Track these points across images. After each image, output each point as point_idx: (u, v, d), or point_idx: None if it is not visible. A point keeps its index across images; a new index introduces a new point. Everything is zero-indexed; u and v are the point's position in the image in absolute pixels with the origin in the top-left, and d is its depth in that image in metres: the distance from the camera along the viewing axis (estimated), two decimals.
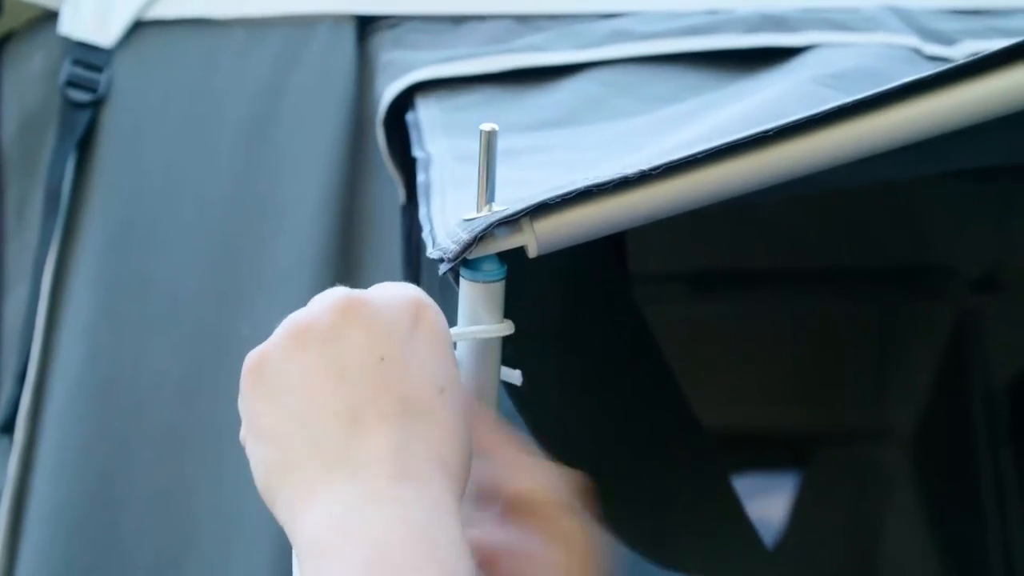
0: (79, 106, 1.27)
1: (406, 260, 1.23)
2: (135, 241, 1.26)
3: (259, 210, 1.26)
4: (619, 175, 0.74)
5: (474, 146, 0.75)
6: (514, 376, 0.80)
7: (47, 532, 1.18)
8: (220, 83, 1.30)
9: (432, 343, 0.69)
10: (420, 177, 0.98)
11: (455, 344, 0.76)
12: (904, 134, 0.75)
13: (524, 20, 1.28)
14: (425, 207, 0.89)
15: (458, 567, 0.62)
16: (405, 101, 1.18)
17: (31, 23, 1.32)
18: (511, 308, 0.77)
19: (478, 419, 0.74)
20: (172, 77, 1.30)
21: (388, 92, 1.18)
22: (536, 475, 0.75)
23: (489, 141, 0.74)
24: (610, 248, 1.13)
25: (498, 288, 0.77)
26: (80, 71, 1.28)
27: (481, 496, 0.75)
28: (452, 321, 0.78)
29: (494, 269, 0.76)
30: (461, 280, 0.76)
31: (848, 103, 0.74)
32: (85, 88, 1.28)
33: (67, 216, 1.26)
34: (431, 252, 0.77)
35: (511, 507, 0.74)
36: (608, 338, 1.11)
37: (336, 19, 1.30)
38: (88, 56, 1.28)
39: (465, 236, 0.74)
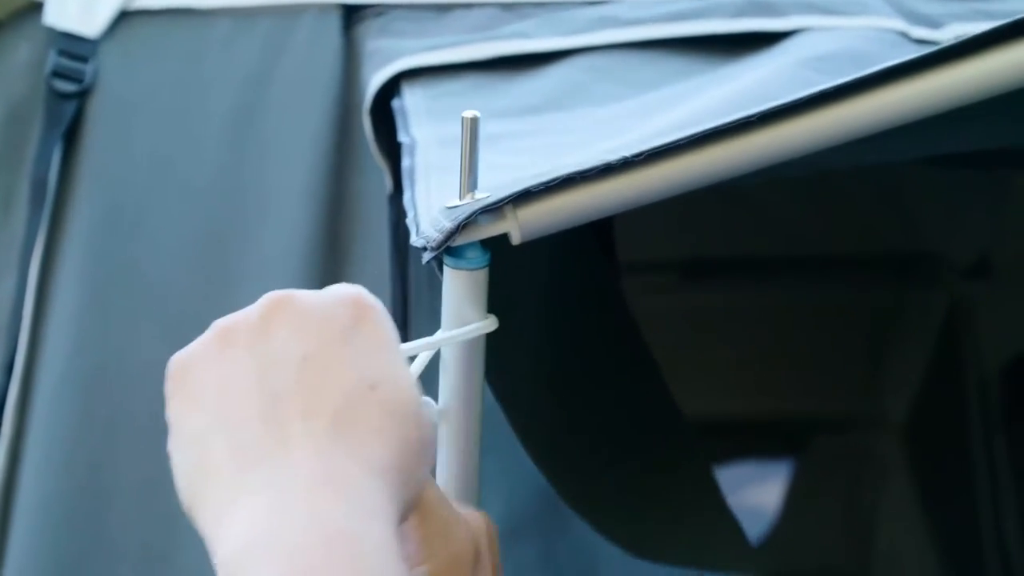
0: (65, 97, 1.27)
1: (394, 248, 1.23)
2: (122, 231, 1.25)
3: (246, 200, 1.25)
4: (602, 162, 0.74)
5: (459, 131, 0.75)
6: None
7: (35, 523, 1.18)
8: (206, 73, 1.29)
9: (371, 342, 0.64)
10: (405, 162, 0.97)
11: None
12: (889, 117, 0.75)
13: (510, 8, 1.28)
14: (410, 191, 0.88)
15: (384, 574, 0.58)
16: (391, 89, 1.18)
17: (16, 14, 1.31)
18: (494, 302, 0.77)
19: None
20: (158, 67, 1.30)
21: (374, 81, 1.18)
22: (449, 542, 0.72)
23: (471, 128, 0.74)
24: (594, 239, 1.12)
25: (482, 276, 0.76)
26: (66, 62, 1.27)
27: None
28: (438, 313, 0.78)
29: (477, 256, 0.76)
30: (444, 268, 0.76)
31: (832, 87, 0.74)
32: (71, 79, 1.27)
33: (54, 207, 1.26)
34: (415, 240, 0.77)
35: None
36: (590, 330, 1.11)
37: (321, 8, 1.29)
38: (74, 47, 1.28)
39: (448, 224, 0.73)
